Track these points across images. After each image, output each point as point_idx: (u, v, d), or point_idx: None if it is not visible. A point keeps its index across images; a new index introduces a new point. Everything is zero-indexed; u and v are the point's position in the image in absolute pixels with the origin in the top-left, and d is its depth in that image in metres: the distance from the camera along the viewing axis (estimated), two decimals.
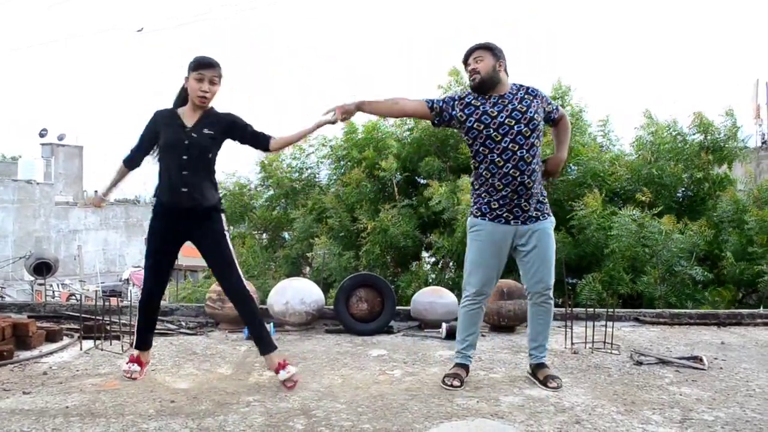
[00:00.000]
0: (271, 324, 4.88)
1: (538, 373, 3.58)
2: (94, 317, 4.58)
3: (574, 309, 4.89)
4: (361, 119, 9.26)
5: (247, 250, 9.27)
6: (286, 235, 9.85)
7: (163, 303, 8.92)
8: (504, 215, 3.47)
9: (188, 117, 3.46)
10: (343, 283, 5.21)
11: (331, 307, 5.27)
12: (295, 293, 5.10)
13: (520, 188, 3.42)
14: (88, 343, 4.34)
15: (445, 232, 7.92)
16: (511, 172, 3.40)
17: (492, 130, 3.41)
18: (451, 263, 8.43)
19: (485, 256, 3.52)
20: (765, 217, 7.36)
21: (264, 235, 10.03)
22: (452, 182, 7.91)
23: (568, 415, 3.04)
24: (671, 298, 6.98)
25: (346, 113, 3.48)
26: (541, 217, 3.51)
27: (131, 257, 30.01)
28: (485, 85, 3.48)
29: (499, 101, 3.46)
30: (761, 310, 5.85)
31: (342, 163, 9.46)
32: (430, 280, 8.15)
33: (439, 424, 2.89)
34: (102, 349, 4.24)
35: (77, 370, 3.77)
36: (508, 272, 7.23)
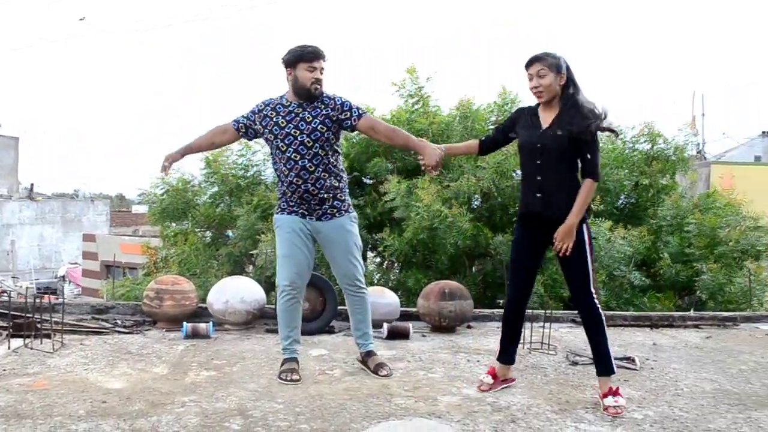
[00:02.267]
0: (211, 323, 4.80)
1: (369, 361, 3.74)
2: (24, 315, 4.41)
3: None
4: None
5: (189, 247, 9.07)
6: (229, 233, 9.68)
7: (98, 301, 8.64)
8: (299, 212, 3.65)
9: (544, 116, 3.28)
10: None
11: (273, 306, 5.21)
12: (235, 292, 5.03)
13: (305, 195, 3.60)
14: (17, 342, 4.17)
15: (395, 231, 7.90)
16: (294, 180, 3.57)
17: (279, 141, 3.58)
18: (396, 264, 8.44)
19: (292, 248, 3.65)
20: (705, 222, 7.66)
21: (207, 232, 9.84)
22: (410, 181, 7.88)
23: (504, 414, 3.09)
24: (611, 303, 7.17)
25: (173, 161, 3.72)
26: (337, 214, 3.67)
27: (68, 253, 29.02)
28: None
29: (294, 111, 3.58)
30: (692, 313, 6.08)
31: None
32: (375, 281, 8.15)
33: (377, 423, 2.89)
34: (32, 348, 4.09)
35: (4, 370, 3.62)
36: (453, 274, 7.37)
